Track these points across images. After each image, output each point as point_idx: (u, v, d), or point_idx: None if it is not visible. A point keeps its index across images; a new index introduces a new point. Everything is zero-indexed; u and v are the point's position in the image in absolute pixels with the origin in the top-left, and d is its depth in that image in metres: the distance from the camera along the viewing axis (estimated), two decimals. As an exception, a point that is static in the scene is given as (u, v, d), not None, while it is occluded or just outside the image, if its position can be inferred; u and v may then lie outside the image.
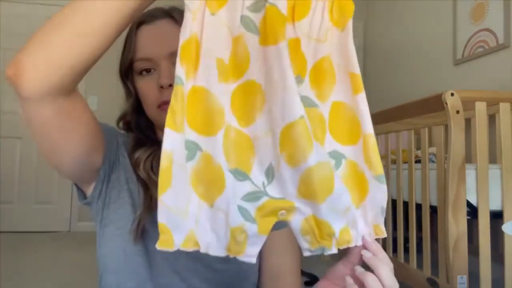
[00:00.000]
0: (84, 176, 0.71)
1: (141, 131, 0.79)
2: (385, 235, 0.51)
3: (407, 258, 1.78)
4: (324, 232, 0.49)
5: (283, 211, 0.49)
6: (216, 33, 0.48)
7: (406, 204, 1.80)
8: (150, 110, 0.75)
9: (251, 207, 0.48)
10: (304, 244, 0.50)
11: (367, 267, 0.52)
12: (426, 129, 1.66)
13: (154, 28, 0.74)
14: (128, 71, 0.76)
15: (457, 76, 2.59)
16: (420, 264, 1.67)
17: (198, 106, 0.48)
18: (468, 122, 1.60)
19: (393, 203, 1.96)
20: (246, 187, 0.48)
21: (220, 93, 0.48)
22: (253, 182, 0.49)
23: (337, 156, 0.50)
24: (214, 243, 0.48)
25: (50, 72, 0.50)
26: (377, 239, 0.52)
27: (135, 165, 0.74)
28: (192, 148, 0.48)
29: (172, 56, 0.72)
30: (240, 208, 0.48)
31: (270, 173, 0.49)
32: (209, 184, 0.48)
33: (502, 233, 1.49)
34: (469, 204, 1.48)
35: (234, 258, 0.75)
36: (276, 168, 0.49)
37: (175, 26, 0.74)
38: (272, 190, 0.49)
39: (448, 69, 2.68)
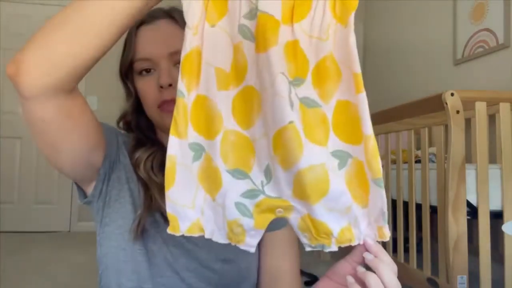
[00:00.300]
0: (84, 175, 0.72)
1: (141, 131, 0.79)
2: (388, 238, 0.51)
3: (407, 258, 1.78)
4: (321, 231, 0.50)
5: (280, 209, 0.51)
6: (215, 44, 0.51)
7: (406, 204, 1.80)
8: (150, 110, 0.75)
9: (249, 203, 0.51)
10: (304, 240, 0.52)
11: (370, 269, 0.51)
12: (426, 129, 1.66)
13: (154, 28, 0.75)
14: (128, 71, 0.76)
15: (457, 76, 2.59)
16: (420, 264, 1.67)
17: (201, 112, 0.52)
18: (468, 122, 1.60)
19: (393, 203, 1.96)
20: (245, 185, 0.52)
21: (220, 100, 0.52)
22: (252, 181, 0.52)
23: (342, 155, 0.51)
24: (217, 231, 0.52)
25: (50, 71, 0.51)
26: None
27: (135, 165, 0.75)
28: (197, 150, 0.52)
29: (172, 56, 0.72)
30: (238, 204, 0.51)
31: (268, 173, 0.52)
32: (210, 181, 0.52)
33: (502, 233, 1.49)
34: (469, 204, 1.48)
35: (233, 259, 0.75)
36: (272, 168, 0.51)
37: (175, 26, 0.74)
38: (270, 190, 0.52)
39: (448, 69, 2.68)
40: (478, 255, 1.45)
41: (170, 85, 0.71)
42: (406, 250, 1.80)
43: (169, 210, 0.51)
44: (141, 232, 0.70)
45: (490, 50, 2.31)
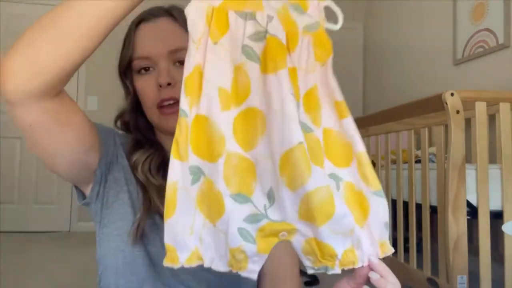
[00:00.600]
0: (80, 177, 0.71)
1: (140, 131, 0.78)
2: (392, 251, 0.52)
3: (407, 258, 1.78)
4: (326, 253, 0.50)
5: (284, 232, 0.51)
6: (218, 62, 0.50)
7: (406, 204, 1.80)
8: (149, 109, 0.74)
9: (252, 228, 0.50)
10: (307, 263, 0.52)
11: None
12: (426, 129, 1.66)
13: (153, 26, 0.74)
14: (127, 70, 0.75)
15: (457, 76, 2.59)
16: (420, 264, 1.68)
17: (201, 133, 0.50)
18: (468, 122, 1.60)
19: (393, 203, 1.96)
20: (247, 209, 0.50)
21: (222, 121, 0.50)
22: (254, 205, 0.50)
23: (335, 178, 0.52)
24: (217, 259, 0.51)
25: (35, 76, 0.50)
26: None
27: (133, 168, 0.74)
28: (196, 173, 0.50)
29: (171, 55, 0.72)
30: (241, 230, 0.49)
31: (271, 196, 0.51)
32: (211, 207, 0.50)
33: (502, 233, 1.50)
34: (469, 204, 1.48)
35: None
36: (276, 191, 0.50)
37: (174, 24, 0.73)
38: (273, 213, 0.51)
39: (448, 69, 2.68)
40: (478, 255, 1.45)
41: (169, 84, 0.70)
42: (406, 250, 1.80)
43: (167, 241, 0.49)
44: (140, 236, 0.69)
45: (490, 50, 2.31)
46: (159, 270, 0.71)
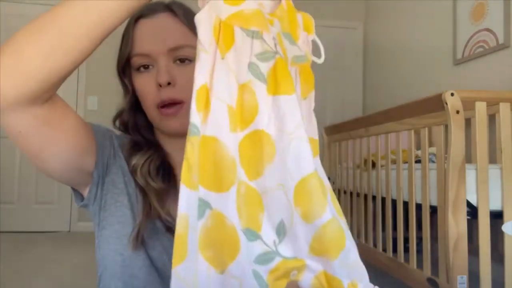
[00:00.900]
0: (77, 180, 0.70)
1: (139, 131, 0.76)
2: None
3: (407, 258, 1.78)
4: (334, 286, 0.48)
5: (295, 271, 0.47)
6: (225, 79, 0.45)
7: (406, 204, 1.80)
8: (149, 109, 0.72)
9: (263, 270, 0.45)
10: None
11: None
12: (426, 129, 1.66)
13: (152, 22, 0.72)
14: (125, 67, 0.73)
15: (457, 76, 2.59)
16: (420, 264, 1.67)
17: (208, 158, 0.43)
18: (468, 122, 1.60)
19: (393, 203, 1.96)
20: (257, 247, 0.45)
21: (231, 143, 0.44)
22: (264, 242, 0.45)
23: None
24: None
25: (23, 83, 0.48)
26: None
27: (132, 171, 0.72)
28: (201, 206, 0.43)
29: (171, 52, 0.70)
30: (254, 272, 0.45)
31: (281, 230, 0.46)
32: (221, 247, 0.43)
33: (502, 233, 1.50)
34: (469, 204, 1.48)
35: None
36: (288, 224, 0.46)
37: (174, 20, 0.71)
38: (284, 249, 0.46)
39: (448, 69, 2.68)
40: (478, 255, 1.45)
41: (169, 83, 0.69)
42: (406, 250, 1.80)
43: None
44: (141, 241, 0.68)
45: (490, 50, 2.31)
46: (159, 273, 0.70)
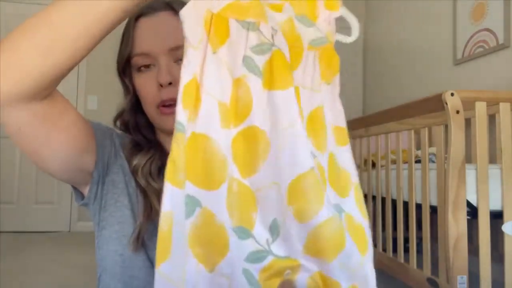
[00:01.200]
0: (77, 178, 0.70)
1: (140, 131, 0.76)
2: None
3: (407, 258, 1.78)
4: None
5: (289, 271, 0.46)
6: (216, 73, 0.44)
7: (406, 204, 1.80)
8: (150, 109, 0.72)
9: (254, 269, 0.44)
10: None
11: None
12: (426, 129, 1.66)
13: (153, 20, 0.71)
14: (125, 67, 0.72)
15: (457, 76, 2.59)
16: (420, 264, 1.67)
17: (199, 155, 0.43)
18: (468, 122, 1.60)
19: (393, 203, 1.96)
20: (249, 246, 0.44)
21: (223, 140, 0.43)
22: (256, 240, 0.44)
23: (338, 209, 0.47)
24: None
25: (19, 80, 0.48)
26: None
27: (133, 172, 0.72)
28: (190, 204, 0.42)
29: (172, 52, 0.69)
30: (244, 271, 0.44)
31: (275, 229, 0.45)
32: (210, 245, 0.43)
33: (502, 233, 1.49)
34: (469, 204, 1.48)
35: None
36: (281, 222, 0.45)
37: (175, 18, 0.68)
38: (277, 248, 0.45)
39: (448, 69, 2.68)
40: (478, 255, 1.45)
41: (170, 83, 0.68)
42: (406, 250, 1.80)
43: None
44: (141, 243, 0.67)
45: (490, 50, 2.31)
46: None
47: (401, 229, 1.86)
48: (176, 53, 0.69)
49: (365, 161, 2.29)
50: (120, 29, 0.62)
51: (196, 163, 0.43)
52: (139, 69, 0.71)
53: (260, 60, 0.45)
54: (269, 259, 0.44)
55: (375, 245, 2.16)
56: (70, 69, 0.50)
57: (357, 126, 2.32)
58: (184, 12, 0.43)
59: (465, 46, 2.50)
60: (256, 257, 0.44)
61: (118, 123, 0.78)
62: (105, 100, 3.59)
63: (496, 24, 2.27)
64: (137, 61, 0.71)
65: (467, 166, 1.47)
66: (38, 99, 0.52)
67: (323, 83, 0.49)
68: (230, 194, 0.43)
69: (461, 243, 1.41)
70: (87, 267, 2.32)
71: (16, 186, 3.67)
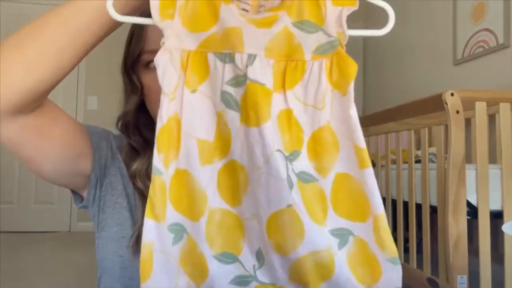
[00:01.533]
0: (73, 183, 0.70)
1: (139, 131, 0.75)
2: None
3: (407, 258, 1.78)
4: None
5: None
6: (196, 111, 0.45)
7: (406, 204, 1.80)
8: (155, 106, 0.69)
9: None
10: None
11: None
12: (426, 129, 1.66)
13: None
14: (134, 64, 0.72)
15: (457, 76, 2.59)
16: (420, 264, 1.67)
17: (182, 190, 0.45)
18: (468, 122, 1.60)
19: (393, 203, 1.96)
20: (235, 270, 0.46)
21: (203, 176, 0.45)
22: (242, 265, 0.46)
23: (342, 234, 0.46)
24: None
25: (4, 95, 0.47)
26: None
27: (132, 176, 0.72)
28: (178, 230, 0.45)
29: None
30: None
31: (261, 257, 0.46)
32: (194, 268, 0.46)
33: (502, 233, 1.49)
34: (469, 204, 1.47)
35: None
36: (265, 252, 0.45)
37: None
38: (263, 275, 0.46)
39: (448, 69, 2.67)
40: (478, 255, 1.45)
41: None
42: (406, 250, 1.80)
43: None
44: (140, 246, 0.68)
45: (490, 50, 2.30)
46: None
47: (401, 229, 1.86)
48: None
49: (365, 161, 2.29)
50: (120, 33, 0.62)
51: (182, 195, 0.45)
52: (147, 66, 0.70)
53: (238, 93, 0.44)
54: (253, 285, 0.46)
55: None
56: (55, 84, 0.50)
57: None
58: (158, 58, 0.44)
59: (465, 46, 2.50)
60: (240, 281, 0.46)
61: (119, 123, 0.77)
62: (105, 101, 3.59)
63: (496, 24, 2.27)
64: (147, 57, 0.69)
65: (467, 166, 1.47)
66: (26, 112, 0.52)
67: (337, 93, 0.45)
68: (209, 225, 0.45)
69: (461, 243, 1.41)
70: (87, 267, 2.32)
71: (16, 186, 3.67)
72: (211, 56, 0.44)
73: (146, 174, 0.71)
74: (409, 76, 3.13)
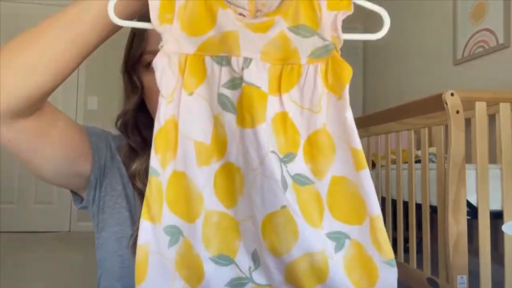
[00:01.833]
0: (72, 183, 0.70)
1: (139, 131, 0.75)
2: None
3: (407, 258, 1.78)
4: None
5: None
6: (193, 114, 0.45)
7: (406, 204, 1.80)
8: (154, 106, 0.71)
9: None
10: None
11: None
12: (426, 129, 1.66)
13: None
14: (135, 64, 0.72)
15: (457, 76, 2.59)
16: (420, 264, 1.67)
17: (179, 191, 0.46)
18: (468, 122, 1.59)
19: (393, 203, 1.96)
20: (231, 272, 0.46)
21: (199, 178, 0.46)
22: (238, 267, 0.46)
23: (338, 237, 0.46)
24: None
25: (6, 99, 0.48)
26: None
27: (131, 177, 0.72)
28: (174, 233, 0.46)
29: None
30: None
31: (256, 258, 0.46)
32: (190, 271, 0.46)
33: (502, 233, 1.49)
34: (469, 204, 1.47)
35: None
36: (260, 254, 0.46)
37: None
38: (259, 276, 0.46)
39: (448, 69, 2.67)
40: (478, 255, 1.45)
41: None
42: (406, 250, 1.80)
43: None
44: None
45: (490, 50, 2.30)
46: None
47: (401, 229, 1.86)
48: None
49: (365, 161, 2.28)
50: (120, 34, 0.62)
51: (178, 197, 0.46)
52: (148, 66, 0.70)
53: (234, 95, 0.45)
54: (249, 286, 0.46)
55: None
56: (55, 87, 0.50)
57: (357, 126, 2.30)
58: (156, 61, 0.45)
59: (465, 46, 2.50)
60: (236, 283, 0.46)
61: (118, 122, 0.77)
62: (105, 100, 3.59)
63: (496, 24, 2.27)
64: (149, 57, 0.69)
65: (467, 166, 1.47)
66: (24, 116, 0.52)
67: (333, 96, 0.46)
68: (206, 227, 0.45)
69: (461, 243, 1.41)
70: (87, 267, 2.32)
71: (16, 186, 3.67)
72: (208, 59, 0.45)
73: (146, 174, 0.71)
74: (409, 76, 3.13)
